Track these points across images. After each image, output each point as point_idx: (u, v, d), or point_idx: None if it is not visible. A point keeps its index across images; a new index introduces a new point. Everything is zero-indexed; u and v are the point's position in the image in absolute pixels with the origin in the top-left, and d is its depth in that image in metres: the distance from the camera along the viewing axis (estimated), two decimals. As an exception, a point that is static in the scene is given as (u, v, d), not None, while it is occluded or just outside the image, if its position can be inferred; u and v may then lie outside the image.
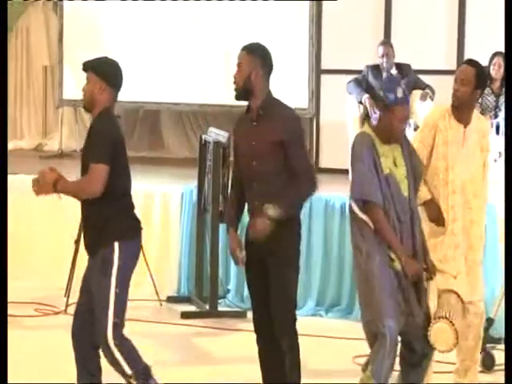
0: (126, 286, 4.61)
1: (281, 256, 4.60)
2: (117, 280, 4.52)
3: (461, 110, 5.09)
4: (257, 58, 4.60)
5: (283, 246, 4.61)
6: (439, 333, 4.59)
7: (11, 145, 10.05)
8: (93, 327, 4.59)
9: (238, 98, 4.67)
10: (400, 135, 4.65)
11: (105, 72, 4.64)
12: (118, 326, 4.54)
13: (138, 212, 7.53)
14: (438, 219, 5.05)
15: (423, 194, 4.99)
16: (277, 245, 4.57)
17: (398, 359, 4.65)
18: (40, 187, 4.49)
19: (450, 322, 4.59)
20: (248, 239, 4.68)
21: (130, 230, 4.62)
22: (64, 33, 10.22)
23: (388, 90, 4.59)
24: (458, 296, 4.92)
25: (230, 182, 5.03)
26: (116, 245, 4.52)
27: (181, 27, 9.81)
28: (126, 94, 9.71)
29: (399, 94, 4.58)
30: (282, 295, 4.63)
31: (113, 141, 4.56)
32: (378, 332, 4.50)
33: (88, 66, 4.67)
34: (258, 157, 4.58)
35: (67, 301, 7.08)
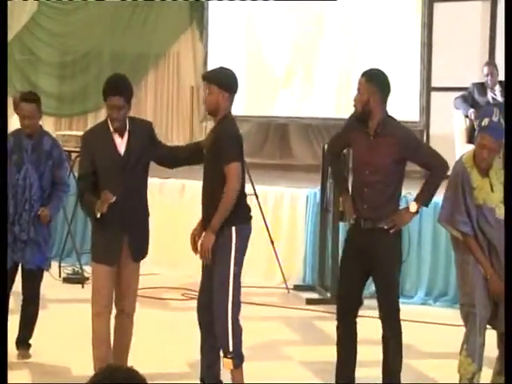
0: (241, 265, 4.59)
1: (389, 256, 4.53)
2: (235, 259, 4.53)
3: None
4: (374, 85, 4.50)
5: (390, 247, 4.56)
6: None
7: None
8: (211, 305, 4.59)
9: (358, 119, 4.60)
10: (481, 161, 4.36)
11: (227, 84, 4.60)
12: (236, 300, 4.53)
13: (269, 211, 7.71)
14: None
15: None
16: (385, 246, 4.52)
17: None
18: (206, 252, 4.52)
19: None
20: (351, 239, 4.65)
21: (243, 217, 4.62)
22: (208, 58, 10.41)
23: (479, 117, 4.44)
24: None
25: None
26: (233, 229, 4.53)
27: (306, 54, 9.82)
28: (259, 110, 10.00)
29: (484, 123, 4.35)
30: (391, 292, 4.58)
31: (240, 142, 4.59)
32: (469, 313, 4.39)
33: (210, 79, 4.64)
34: (371, 167, 4.53)
35: (209, 287, 7.16)
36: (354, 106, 4.58)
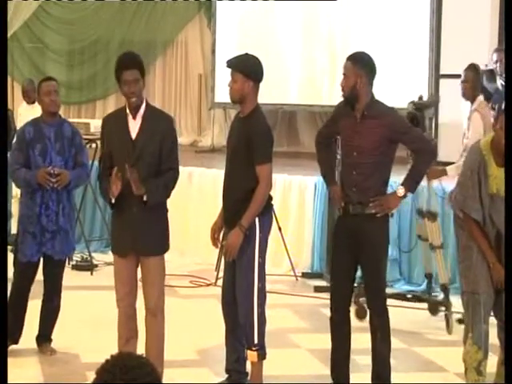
0: (265, 255, 4.54)
1: (376, 242, 4.47)
2: (259, 250, 4.47)
3: None
4: (360, 68, 4.43)
5: (378, 233, 4.51)
6: None
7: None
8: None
9: (346, 103, 4.52)
10: (503, 145, 4.19)
11: (253, 72, 4.49)
12: (261, 292, 4.48)
13: (277, 199, 7.70)
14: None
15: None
16: (372, 231, 4.47)
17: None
18: (233, 250, 4.46)
19: None
20: (340, 225, 4.59)
21: (267, 207, 4.55)
22: (216, 45, 10.37)
23: (496, 102, 4.36)
24: None
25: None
26: (257, 220, 4.46)
27: (314, 41, 9.77)
28: (267, 97, 9.95)
29: (504, 105, 4.32)
30: (376, 278, 4.52)
31: (272, 141, 4.49)
32: (471, 300, 4.33)
33: (234, 66, 4.49)
34: (359, 149, 4.46)
35: (217, 274, 7.17)
36: (342, 90, 4.47)
